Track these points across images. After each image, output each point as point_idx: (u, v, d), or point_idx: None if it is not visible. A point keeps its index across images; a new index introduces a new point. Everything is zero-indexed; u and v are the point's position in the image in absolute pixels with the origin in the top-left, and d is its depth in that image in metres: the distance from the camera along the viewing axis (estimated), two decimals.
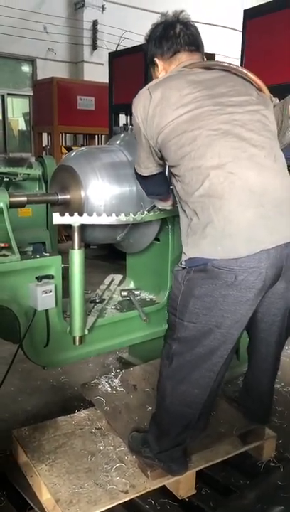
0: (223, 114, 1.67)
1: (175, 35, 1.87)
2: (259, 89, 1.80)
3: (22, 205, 2.32)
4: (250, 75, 1.80)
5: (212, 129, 1.64)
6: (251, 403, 2.20)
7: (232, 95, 1.72)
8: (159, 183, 2.00)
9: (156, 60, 1.94)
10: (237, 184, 1.59)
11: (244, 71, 1.81)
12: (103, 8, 10.15)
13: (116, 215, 2.30)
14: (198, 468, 2.02)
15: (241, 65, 4.31)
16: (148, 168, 1.94)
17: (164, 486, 2.02)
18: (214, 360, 1.75)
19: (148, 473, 1.94)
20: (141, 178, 2.05)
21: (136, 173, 2.04)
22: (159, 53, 1.92)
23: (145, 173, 1.97)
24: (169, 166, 1.81)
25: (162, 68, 1.93)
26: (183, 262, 1.73)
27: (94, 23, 10.08)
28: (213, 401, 1.92)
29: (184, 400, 1.82)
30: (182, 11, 1.92)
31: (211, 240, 1.62)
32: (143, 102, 1.76)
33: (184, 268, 1.72)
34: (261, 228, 1.60)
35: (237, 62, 4.72)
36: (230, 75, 1.80)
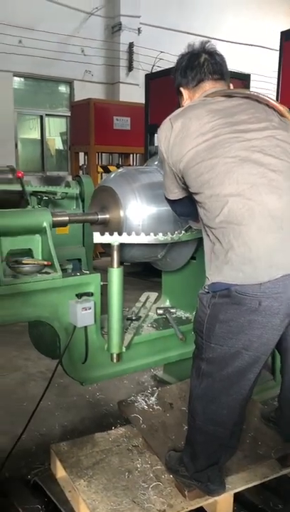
0: (241, 141, 1.70)
1: (199, 64, 1.93)
2: (282, 115, 1.82)
3: (64, 224, 2.40)
4: (271, 101, 1.82)
5: (229, 156, 1.67)
6: (285, 424, 2.17)
7: (252, 122, 1.75)
8: (187, 206, 2.04)
9: (182, 89, 2.00)
10: (255, 210, 1.61)
11: (266, 98, 1.83)
12: (139, 30, 10.38)
13: (155, 235, 2.35)
14: (236, 491, 2.00)
15: (277, 85, 4.33)
16: (175, 193, 1.99)
17: (201, 507, 2.01)
18: (243, 382, 1.76)
19: (186, 493, 1.94)
20: (169, 201, 2.10)
21: (165, 197, 2.10)
22: (184, 83, 1.98)
23: (172, 197, 2.03)
24: (191, 193, 1.86)
25: (187, 97, 1.99)
26: (207, 287, 1.76)
27: (131, 45, 10.32)
28: (243, 419, 1.92)
29: (215, 419, 1.83)
30: (208, 41, 1.98)
31: (233, 266, 1.65)
32: (165, 133, 1.83)
33: (208, 292, 1.75)
34: (281, 253, 1.61)
35: (274, 82, 4.76)
36: (251, 102, 1.83)
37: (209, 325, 1.74)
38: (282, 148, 1.71)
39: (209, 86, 1.93)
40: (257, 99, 1.84)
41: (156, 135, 6.87)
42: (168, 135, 1.81)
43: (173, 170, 1.85)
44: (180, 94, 2.02)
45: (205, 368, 1.81)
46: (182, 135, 1.77)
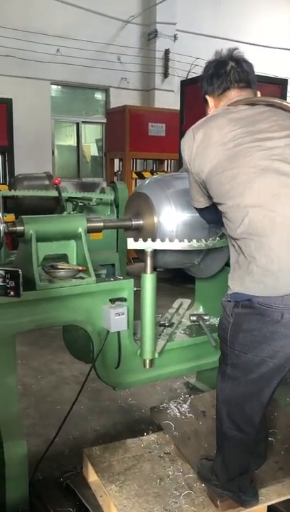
0: (262, 150, 1.67)
1: (225, 72, 1.90)
2: None
3: (99, 230, 2.42)
4: None
5: (250, 166, 1.65)
6: None
7: (274, 130, 1.71)
8: (215, 213, 2.01)
9: (207, 97, 1.98)
10: (277, 221, 1.59)
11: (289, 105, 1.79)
12: (175, 37, 10.43)
13: (188, 241, 2.34)
14: (270, 503, 1.97)
15: None
16: (200, 201, 1.98)
17: None
18: (267, 388, 1.77)
19: (218, 502, 1.92)
20: (197, 209, 2.10)
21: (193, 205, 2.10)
22: (210, 91, 1.96)
23: (198, 206, 2.03)
24: (215, 203, 1.85)
25: (212, 105, 1.97)
26: (229, 296, 1.76)
27: (166, 51, 10.38)
28: (265, 427, 1.93)
29: (238, 424, 1.85)
30: (236, 49, 1.95)
31: (254, 277, 1.64)
32: (188, 143, 1.82)
33: (230, 301, 1.75)
34: None
35: None
36: (274, 110, 1.79)
37: (233, 332, 1.75)
38: None
39: (234, 94, 1.90)
40: (281, 107, 1.80)
41: None
42: (191, 145, 1.81)
43: (197, 179, 1.85)
44: (206, 102, 2.00)
45: (229, 372, 1.82)
46: (204, 145, 1.76)
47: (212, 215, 2.06)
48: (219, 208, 1.79)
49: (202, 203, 1.97)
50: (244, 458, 1.90)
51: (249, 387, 1.78)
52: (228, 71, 1.90)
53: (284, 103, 1.80)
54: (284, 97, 5.81)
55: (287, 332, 1.64)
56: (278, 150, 1.67)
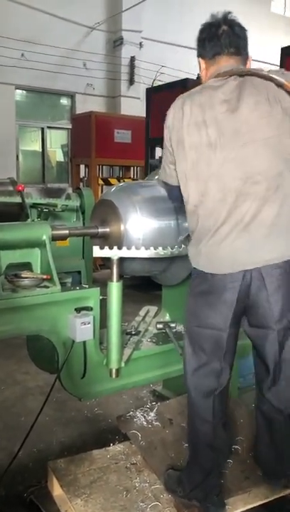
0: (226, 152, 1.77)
1: (217, 36, 1.90)
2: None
3: (64, 238, 2.38)
4: (287, 84, 1.75)
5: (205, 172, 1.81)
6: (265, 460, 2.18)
7: (246, 132, 1.75)
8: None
9: (200, 59, 2.00)
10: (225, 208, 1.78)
11: (281, 81, 1.75)
12: (141, 44, 10.49)
13: (155, 249, 2.33)
14: None
15: None
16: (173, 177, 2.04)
17: None
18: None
19: None
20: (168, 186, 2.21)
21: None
22: (202, 54, 1.97)
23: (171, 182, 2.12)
24: None
25: (204, 67, 1.99)
26: None
27: (132, 59, 10.41)
28: (223, 413, 1.97)
29: (196, 410, 1.95)
30: (229, 12, 1.94)
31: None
32: (174, 111, 1.91)
33: None
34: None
35: None
36: (260, 87, 1.78)
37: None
38: (274, 150, 1.77)
39: (224, 61, 1.90)
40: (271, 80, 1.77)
41: (156, 148, 6.90)
42: (174, 115, 1.90)
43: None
44: (199, 64, 2.02)
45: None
46: (179, 124, 1.87)
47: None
48: None
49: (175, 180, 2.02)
50: (206, 454, 1.94)
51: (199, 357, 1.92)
52: (219, 34, 1.90)
53: (275, 78, 1.76)
54: None
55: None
56: (242, 152, 1.76)
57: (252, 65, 1.98)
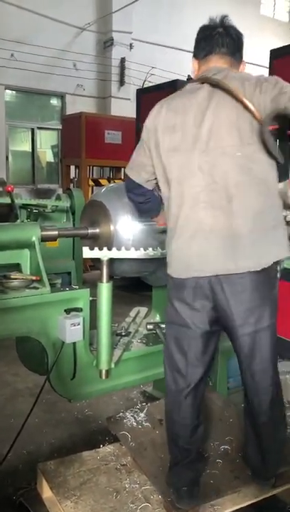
0: (187, 158, 1.80)
1: (211, 36, 1.91)
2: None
3: (53, 238, 2.38)
4: (246, 102, 1.70)
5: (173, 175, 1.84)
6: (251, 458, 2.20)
7: (207, 140, 1.76)
8: None
9: (193, 59, 2.00)
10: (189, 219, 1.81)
11: (242, 99, 1.70)
12: (131, 46, 10.48)
13: (144, 249, 2.33)
14: None
15: None
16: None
17: None
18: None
19: None
20: None
21: None
22: (195, 54, 1.98)
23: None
24: None
25: (196, 68, 1.99)
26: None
27: (122, 60, 10.40)
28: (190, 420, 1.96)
29: (166, 408, 2.01)
30: (226, 16, 1.95)
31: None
32: (153, 113, 1.95)
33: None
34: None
35: None
36: (226, 99, 1.76)
37: None
38: (232, 163, 1.76)
39: (213, 61, 1.91)
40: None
41: None
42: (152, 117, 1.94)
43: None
44: (192, 64, 2.02)
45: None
46: (155, 126, 1.92)
47: None
48: None
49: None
50: (171, 447, 1.99)
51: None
52: (213, 35, 1.91)
53: (238, 96, 1.71)
54: None
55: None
56: (203, 159, 1.78)
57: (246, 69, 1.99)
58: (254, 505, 2.09)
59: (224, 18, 1.93)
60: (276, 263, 1.84)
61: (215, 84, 1.78)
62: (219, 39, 1.90)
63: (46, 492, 2.11)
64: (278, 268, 1.91)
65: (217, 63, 1.91)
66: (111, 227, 2.42)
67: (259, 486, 2.05)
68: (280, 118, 1.65)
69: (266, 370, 1.87)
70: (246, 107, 1.70)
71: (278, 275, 1.91)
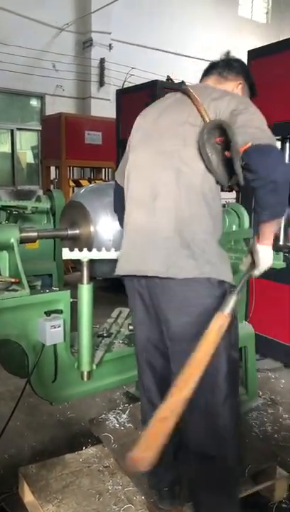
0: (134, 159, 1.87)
1: (214, 63, 1.98)
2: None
3: (32, 240, 2.35)
4: (199, 106, 1.71)
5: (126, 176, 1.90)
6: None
7: (150, 139, 1.82)
8: None
9: None
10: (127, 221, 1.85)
11: (196, 103, 1.72)
12: (110, 46, 10.47)
13: None
14: None
15: None
16: None
17: None
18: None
19: None
20: None
21: None
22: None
23: None
24: None
25: None
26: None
27: (102, 60, 10.38)
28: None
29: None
30: (229, 51, 2.02)
31: None
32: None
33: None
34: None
35: None
36: (185, 102, 1.78)
37: None
38: (170, 167, 1.74)
39: (204, 79, 1.96)
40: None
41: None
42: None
43: None
44: None
45: None
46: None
47: None
48: None
49: None
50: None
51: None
52: (216, 62, 1.97)
53: (196, 100, 1.73)
54: None
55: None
56: (142, 159, 1.84)
57: None
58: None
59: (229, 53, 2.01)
60: (222, 283, 1.70)
61: (183, 92, 1.82)
62: (217, 63, 1.97)
63: (28, 496, 2.08)
64: (233, 301, 1.65)
65: (205, 80, 1.96)
66: (91, 228, 2.41)
67: (241, 483, 2.06)
68: (222, 130, 1.64)
69: None
70: (199, 111, 1.69)
71: (230, 307, 1.63)
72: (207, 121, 1.66)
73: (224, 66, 1.94)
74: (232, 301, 1.63)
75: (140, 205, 1.79)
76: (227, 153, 1.64)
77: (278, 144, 3.63)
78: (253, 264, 1.79)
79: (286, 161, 3.70)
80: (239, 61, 1.97)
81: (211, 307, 1.66)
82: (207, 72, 1.97)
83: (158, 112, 1.86)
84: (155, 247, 1.71)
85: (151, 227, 1.73)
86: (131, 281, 1.88)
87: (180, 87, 1.87)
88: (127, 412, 2.55)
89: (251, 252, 1.78)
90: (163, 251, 1.69)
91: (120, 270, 1.87)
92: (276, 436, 2.86)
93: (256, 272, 1.80)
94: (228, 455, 1.75)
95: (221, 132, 1.63)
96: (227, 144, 1.63)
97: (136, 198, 1.82)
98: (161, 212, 1.71)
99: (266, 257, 1.76)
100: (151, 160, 1.78)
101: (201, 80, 1.99)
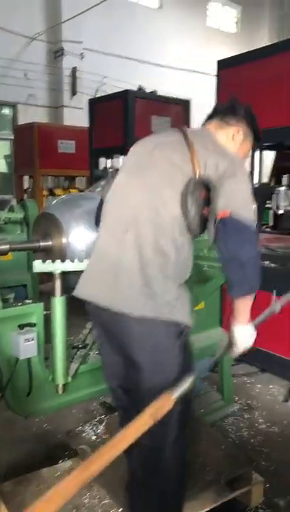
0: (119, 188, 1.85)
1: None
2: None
3: (4, 253, 2.34)
4: (193, 157, 1.72)
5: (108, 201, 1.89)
6: None
7: (145, 169, 1.81)
8: None
9: None
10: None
11: (191, 149, 1.73)
12: (82, 55, 10.50)
13: None
14: None
15: None
16: None
17: None
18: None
19: None
20: None
21: None
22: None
23: None
24: None
25: None
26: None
27: (74, 69, 10.40)
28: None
29: None
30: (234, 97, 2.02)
31: None
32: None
33: None
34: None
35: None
36: (176, 140, 1.80)
37: None
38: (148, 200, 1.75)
39: (207, 123, 1.97)
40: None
41: (100, 158, 6.86)
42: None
43: None
44: None
45: None
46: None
47: None
48: None
49: None
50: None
51: None
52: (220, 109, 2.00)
53: (190, 142, 1.76)
54: (187, 116, 6.07)
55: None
56: (129, 189, 1.82)
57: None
58: (215, 510, 2.11)
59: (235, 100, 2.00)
60: (179, 325, 1.70)
61: (184, 134, 1.82)
62: (220, 110, 1.97)
63: None
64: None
65: (206, 124, 1.97)
66: (64, 240, 2.41)
67: (217, 490, 2.08)
68: (207, 189, 1.67)
69: None
70: (191, 160, 1.69)
71: (181, 391, 1.58)
72: (197, 172, 1.68)
73: (227, 111, 1.95)
74: (186, 385, 1.56)
75: (110, 233, 1.78)
76: (205, 209, 1.67)
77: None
78: (230, 344, 1.76)
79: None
80: (243, 107, 1.97)
81: (168, 347, 1.68)
82: (210, 116, 1.97)
83: (154, 145, 1.84)
84: (116, 280, 1.70)
85: (116, 259, 1.72)
86: (89, 304, 1.85)
87: (180, 129, 1.87)
88: (104, 424, 2.54)
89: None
90: (123, 286, 1.68)
91: (79, 292, 1.84)
92: (252, 441, 2.89)
93: (233, 354, 1.78)
94: (168, 490, 1.81)
95: (206, 190, 1.66)
96: (208, 200, 1.67)
97: (109, 225, 1.81)
98: (129, 246, 1.70)
99: (242, 338, 1.75)
100: (134, 190, 1.78)
101: (204, 123, 1.99)
